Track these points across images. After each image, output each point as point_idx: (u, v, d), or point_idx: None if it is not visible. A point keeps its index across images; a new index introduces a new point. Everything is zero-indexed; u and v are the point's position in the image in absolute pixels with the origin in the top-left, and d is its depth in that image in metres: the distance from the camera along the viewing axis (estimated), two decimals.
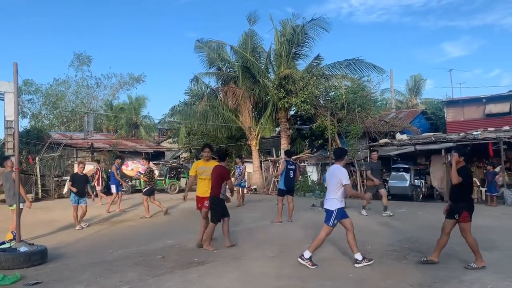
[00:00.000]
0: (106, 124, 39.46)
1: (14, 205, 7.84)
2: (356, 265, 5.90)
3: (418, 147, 17.47)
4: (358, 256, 5.95)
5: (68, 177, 20.82)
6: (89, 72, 40.73)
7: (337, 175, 6.07)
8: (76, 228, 10.14)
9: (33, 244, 6.78)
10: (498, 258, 6.28)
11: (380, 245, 7.47)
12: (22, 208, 7.98)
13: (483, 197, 15.50)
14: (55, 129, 33.49)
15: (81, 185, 10.55)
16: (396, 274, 5.48)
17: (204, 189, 7.67)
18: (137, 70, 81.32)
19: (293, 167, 10.66)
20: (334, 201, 6.05)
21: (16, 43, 59.64)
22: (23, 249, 6.36)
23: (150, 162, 13.13)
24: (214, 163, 7.67)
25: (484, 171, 17.34)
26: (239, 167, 15.76)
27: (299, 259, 6.01)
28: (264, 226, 9.97)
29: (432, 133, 20.79)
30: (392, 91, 36.00)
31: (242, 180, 15.61)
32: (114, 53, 69.11)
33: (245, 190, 16.94)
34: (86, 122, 24.72)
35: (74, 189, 10.33)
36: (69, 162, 24.40)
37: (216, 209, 7.47)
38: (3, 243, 6.78)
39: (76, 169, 12.98)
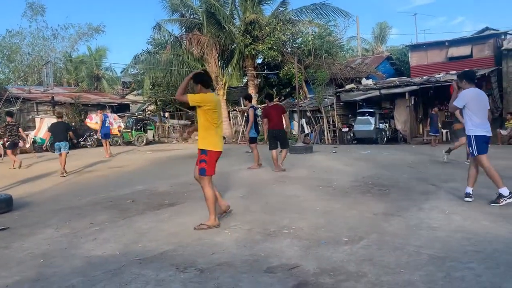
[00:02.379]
0: (67, 78, 37.97)
1: None
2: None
3: (383, 92, 17.81)
4: (504, 191, 5.35)
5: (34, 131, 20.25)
6: (44, 22, 38.86)
7: (486, 98, 5.71)
8: (61, 175, 10.42)
9: None
10: (454, 188, 6.62)
11: (345, 181, 7.73)
12: None
13: (449, 138, 16.07)
14: (12, 83, 31.91)
15: (61, 132, 10.75)
16: (361, 205, 5.72)
17: (221, 138, 5.04)
18: (95, 20, 77.64)
19: (256, 112, 10.44)
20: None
21: None
22: None
23: (9, 118, 13.14)
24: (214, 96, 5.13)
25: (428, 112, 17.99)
26: None
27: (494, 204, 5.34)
28: (233, 171, 10.07)
29: (396, 78, 21.14)
30: (358, 38, 35.99)
31: None
32: (70, 2, 65.34)
33: None
34: (44, 74, 23.62)
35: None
36: (30, 116, 23.54)
37: (286, 138, 9.72)
38: None
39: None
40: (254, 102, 22.79)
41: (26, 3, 37.33)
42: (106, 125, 16.66)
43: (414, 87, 17.16)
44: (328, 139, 19.43)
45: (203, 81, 4.96)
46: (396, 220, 4.91)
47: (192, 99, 4.72)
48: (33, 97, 24.97)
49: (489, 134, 5.61)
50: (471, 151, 5.59)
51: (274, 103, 9.78)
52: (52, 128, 11.07)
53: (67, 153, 10.83)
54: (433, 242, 4.01)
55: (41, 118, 21.21)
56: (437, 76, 17.76)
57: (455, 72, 18.23)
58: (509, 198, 5.32)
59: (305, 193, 6.84)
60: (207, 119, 4.80)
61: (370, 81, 19.74)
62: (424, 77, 18.37)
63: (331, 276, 3.30)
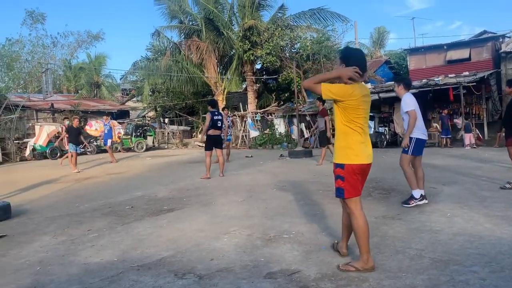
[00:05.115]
0: (66, 85, 38.05)
1: None
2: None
3: (382, 95, 17.78)
4: (416, 193, 5.68)
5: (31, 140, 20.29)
6: (43, 30, 38.99)
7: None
8: (73, 171, 12.69)
9: None
10: (456, 191, 6.59)
11: None
12: None
13: (444, 141, 16.09)
14: (12, 91, 31.96)
15: (76, 136, 13.24)
16: None
17: (367, 145, 3.53)
18: (95, 27, 77.90)
19: (219, 117, 9.77)
20: None
21: None
22: None
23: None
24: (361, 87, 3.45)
25: (438, 114, 18.03)
26: (226, 119, 13.48)
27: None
28: (232, 176, 10.03)
29: None
30: (357, 43, 35.97)
31: (228, 133, 13.81)
32: (69, 9, 65.61)
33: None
34: (44, 81, 23.62)
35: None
36: (30, 124, 23.52)
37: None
38: None
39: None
40: (253, 107, 22.83)
41: (26, 11, 37.61)
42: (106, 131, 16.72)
43: (413, 91, 17.12)
44: None
45: (354, 64, 3.36)
46: (397, 223, 4.86)
47: (327, 89, 3.29)
48: (32, 105, 24.97)
49: (426, 137, 6.03)
50: (406, 149, 5.79)
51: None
52: (68, 132, 13.72)
53: (79, 152, 13.52)
54: (435, 246, 3.95)
55: (40, 126, 21.19)
56: (436, 79, 17.75)
57: (454, 75, 18.25)
58: (419, 200, 5.64)
59: (306, 197, 6.78)
60: (347, 119, 3.38)
61: (368, 85, 19.72)
62: (423, 80, 18.37)
63: (332, 281, 3.24)
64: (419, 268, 3.41)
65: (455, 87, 16.45)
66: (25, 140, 21.56)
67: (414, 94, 17.75)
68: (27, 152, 20.43)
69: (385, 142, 17.57)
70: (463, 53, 19.54)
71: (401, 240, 4.18)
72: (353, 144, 3.39)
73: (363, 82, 3.57)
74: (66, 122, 16.87)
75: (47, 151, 20.10)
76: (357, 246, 3.47)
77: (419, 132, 5.80)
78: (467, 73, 18.04)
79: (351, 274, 3.34)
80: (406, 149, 5.78)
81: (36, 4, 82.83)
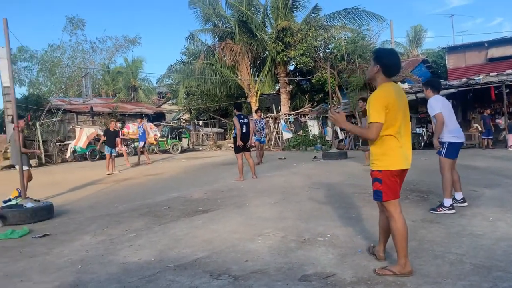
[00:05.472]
0: (105, 89, 39.24)
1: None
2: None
3: (419, 95, 17.30)
4: (447, 202, 5.43)
5: (71, 142, 21.09)
6: (83, 36, 40.28)
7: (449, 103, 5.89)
8: (107, 173, 12.94)
9: (39, 200, 6.86)
10: (499, 194, 6.35)
11: None
12: (28, 170, 8.03)
13: (485, 142, 15.53)
14: (54, 95, 33.30)
15: (112, 138, 13.54)
16: None
17: (406, 149, 3.41)
18: (131, 32, 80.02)
19: (245, 120, 9.77)
20: None
21: (5, 10, 58.12)
22: (29, 205, 6.45)
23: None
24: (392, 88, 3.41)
25: (479, 114, 17.39)
26: (260, 122, 13.73)
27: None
28: (265, 177, 10.04)
29: None
30: (393, 43, 35.25)
31: (262, 135, 13.71)
32: (107, 15, 67.71)
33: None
34: (84, 85, 24.45)
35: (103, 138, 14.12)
36: (71, 127, 24.41)
37: None
38: (9, 200, 6.85)
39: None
40: (286, 109, 22.79)
41: (67, 18, 39.10)
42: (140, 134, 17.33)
43: (452, 90, 16.63)
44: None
45: (387, 65, 3.35)
46: (436, 227, 4.73)
47: (376, 117, 3.18)
48: (73, 108, 25.94)
49: (462, 139, 5.80)
50: (440, 150, 5.69)
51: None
52: (105, 134, 14.03)
53: (115, 155, 13.56)
54: (477, 251, 3.82)
55: (80, 128, 21.97)
56: (476, 78, 17.15)
57: (495, 73, 17.57)
58: (448, 209, 5.37)
59: (340, 199, 6.71)
60: (384, 126, 3.23)
61: (405, 85, 19.29)
62: (463, 79, 17.78)
63: (369, 285, 3.19)
64: (459, 273, 3.30)
65: (497, 86, 15.84)
66: (66, 142, 22.42)
67: (453, 94, 17.27)
68: (68, 153, 21.23)
69: (422, 143, 17.10)
70: (505, 51, 18.79)
71: (440, 245, 4.06)
72: (389, 150, 3.29)
73: (399, 83, 3.52)
74: (119, 124, 17.46)
75: (87, 152, 20.79)
76: (395, 250, 3.40)
77: (450, 135, 5.61)
78: (510, 71, 17.33)
79: (388, 278, 3.28)
80: (441, 150, 5.66)
81: (76, 10, 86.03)
